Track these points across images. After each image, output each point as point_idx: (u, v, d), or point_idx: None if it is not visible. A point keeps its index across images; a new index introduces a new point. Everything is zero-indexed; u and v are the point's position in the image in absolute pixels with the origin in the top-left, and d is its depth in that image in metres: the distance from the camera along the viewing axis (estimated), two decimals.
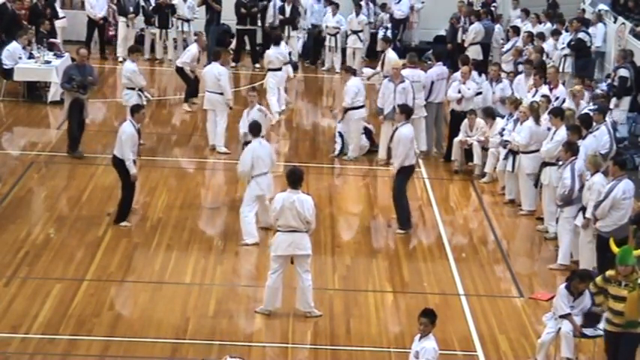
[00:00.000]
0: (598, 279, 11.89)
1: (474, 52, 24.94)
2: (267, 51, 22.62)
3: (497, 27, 27.02)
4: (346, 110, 19.80)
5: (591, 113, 17.42)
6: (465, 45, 25.85)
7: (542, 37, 24.81)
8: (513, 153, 17.60)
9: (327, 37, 27.52)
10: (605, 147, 16.58)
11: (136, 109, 16.37)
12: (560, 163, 15.67)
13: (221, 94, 19.85)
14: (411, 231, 16.59)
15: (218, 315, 13.39)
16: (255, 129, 15.93)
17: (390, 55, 21.78)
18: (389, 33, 28.57)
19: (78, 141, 19.19)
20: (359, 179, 19.33)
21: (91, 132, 20.80)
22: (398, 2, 28.58)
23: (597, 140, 16.56)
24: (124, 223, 16.13)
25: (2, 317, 12.96)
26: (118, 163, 16.09)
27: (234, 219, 16.72)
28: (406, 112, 16.87)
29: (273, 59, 22.13)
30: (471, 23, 26.11)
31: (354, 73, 20.72)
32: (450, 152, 19.87)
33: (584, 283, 12.07)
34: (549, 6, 28.30)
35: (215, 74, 19.84)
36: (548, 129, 16.74)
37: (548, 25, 26.21)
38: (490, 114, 19.06)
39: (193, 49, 22.84)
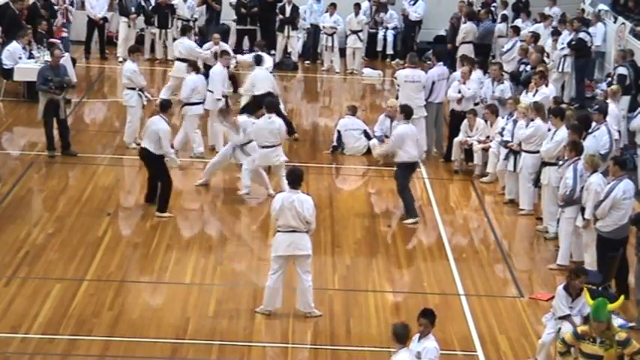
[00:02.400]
0: (567, 336, 11.01)
1: (466, 52, 24.82)
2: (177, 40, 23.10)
3: (499, 27, 26.97)
4: (184, 105, 19.49)
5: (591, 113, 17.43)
6: (457, 44, 25.84)
7: (538, 37, 24.76)
8: (514, 153, 17.60)
9: (325, 36, 27.50)
10: (605, 147, 16.57)
11: (168, 106, 16.93)
12: (561, 162, 15.66)
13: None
14: (419, 219, 16.84)
15: (218, 315, 13.38)
16: (271, 106, 17.30)
17: (257, 73, 20.59)
18: (389, 35, 28.64)
19: (57, 140, 19.11)
20: (359, 179, 19.37)
21: (91, 132, 20.84)
22: (414, 4, 28.48)
23: (597, 140, 16.55)
24: (166, 214, 16.35)
25: (2, 317, 12.95)
26: (148, 156, 16.48)
27: (234, 219, 16.76)
28: (405, 112, 17.27)
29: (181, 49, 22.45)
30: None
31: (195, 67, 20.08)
32: (450, 152, 19.86)
33: (578, 278, 12.02)
34: (523, 5, 28.24)
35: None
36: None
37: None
38: (494, 111, 19.01)
39: None
